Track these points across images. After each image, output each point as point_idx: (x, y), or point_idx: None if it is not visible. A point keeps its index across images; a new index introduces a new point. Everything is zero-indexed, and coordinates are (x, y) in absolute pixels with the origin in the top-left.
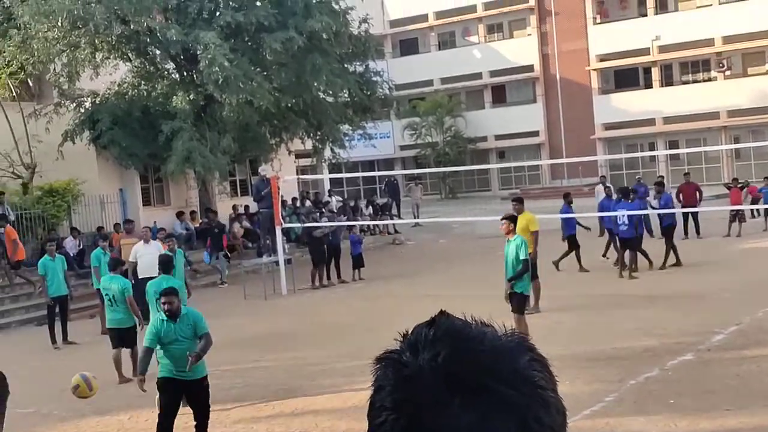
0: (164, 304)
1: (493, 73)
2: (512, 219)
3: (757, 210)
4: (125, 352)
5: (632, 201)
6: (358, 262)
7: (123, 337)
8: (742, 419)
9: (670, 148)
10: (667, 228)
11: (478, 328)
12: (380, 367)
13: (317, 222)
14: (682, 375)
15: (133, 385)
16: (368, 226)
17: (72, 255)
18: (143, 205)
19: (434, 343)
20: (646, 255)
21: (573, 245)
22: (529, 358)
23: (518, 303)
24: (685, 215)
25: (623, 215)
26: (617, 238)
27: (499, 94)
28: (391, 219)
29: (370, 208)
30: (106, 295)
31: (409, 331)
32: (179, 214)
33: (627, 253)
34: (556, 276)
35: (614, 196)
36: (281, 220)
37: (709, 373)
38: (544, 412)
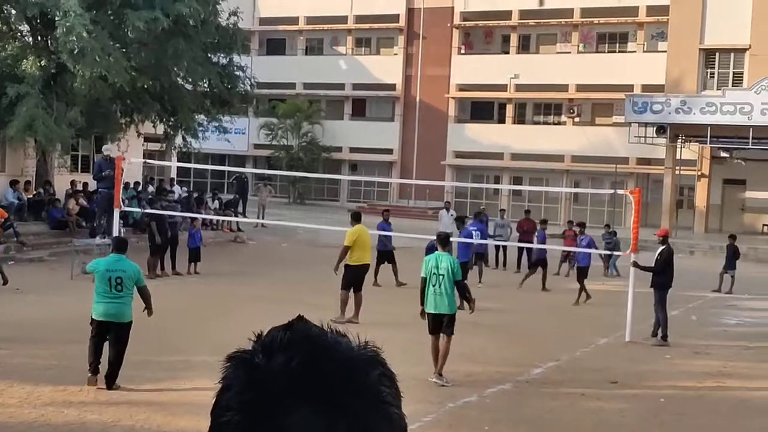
0: None
1: (356, 86)
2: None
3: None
4: None
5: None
6: (194, 256)
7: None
8: None
9: (514, 184)
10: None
11: (333, 336)
12: (230, 366)
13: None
14: (499, 403)
15: None
16: (211, 220)
17: None
18: None
19: (289, 348)
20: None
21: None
22: (380, 373)
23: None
24: (520, 249)
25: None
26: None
27: (360, 108)
28: (236, 216)
29: (216, 202)
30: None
31: (264, 333)
32: (13, 183)
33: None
34: (396, 292)
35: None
36: (120, 203)
37: (525, 404)
38: (387, 427)
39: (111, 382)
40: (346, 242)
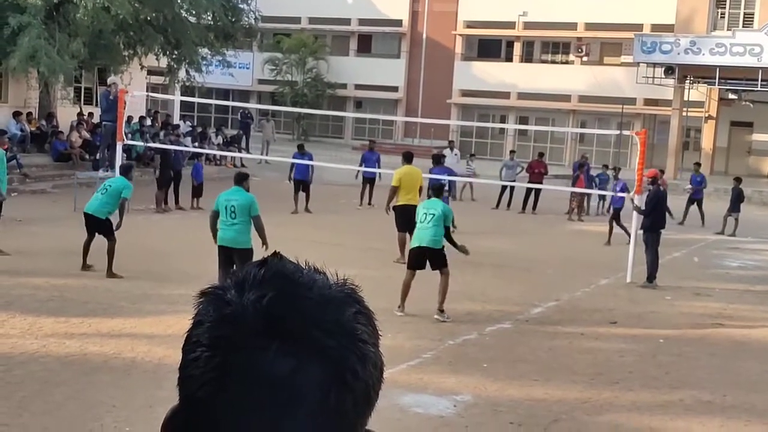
0: None
1: (362, 22)
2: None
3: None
4: None
5: None
6: (198, 191)
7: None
8: (548, 390)
9: (520, 123)
10: None
11: (309, 274)
12: (202, 302)
13: (164, 144)
14: (498, 342)
15: None
16: (214, 155)
17: None
18: None
19: (262, 285)
20: None
21: None
22: (356, 311)
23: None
24: (528, 190)
25: None
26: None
27: (365, 44)
28: (240, 152)
29: (220, 137)
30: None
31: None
32: (16, 114)
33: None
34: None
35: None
36: (123, 136)
37: (524, 343)
38: (361, 365)
39: None
40: (393, 182)
